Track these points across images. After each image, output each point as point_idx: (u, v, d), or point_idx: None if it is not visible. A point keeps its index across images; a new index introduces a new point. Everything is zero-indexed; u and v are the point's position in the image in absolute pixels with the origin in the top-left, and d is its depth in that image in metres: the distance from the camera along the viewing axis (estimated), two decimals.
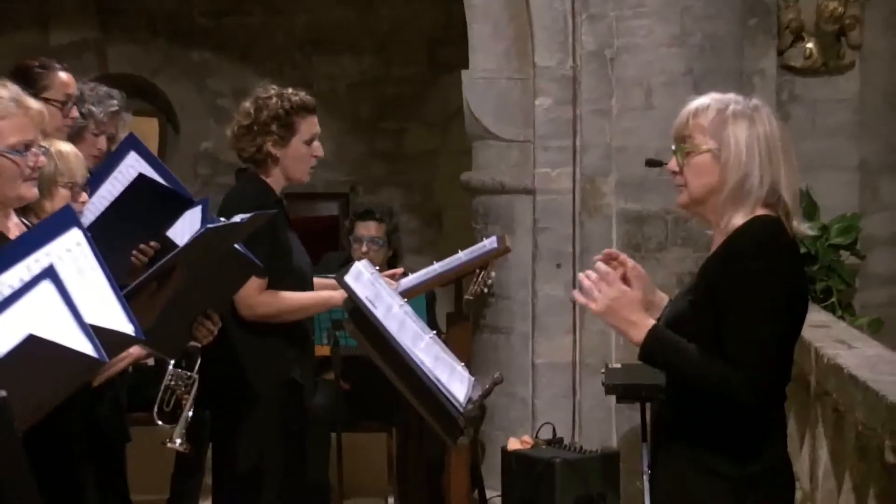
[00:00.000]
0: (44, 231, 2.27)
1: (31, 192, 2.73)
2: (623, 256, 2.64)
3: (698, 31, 5.54)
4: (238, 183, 3.90)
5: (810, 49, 5.71)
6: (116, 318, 2.20)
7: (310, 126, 3.79)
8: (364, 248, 5.31)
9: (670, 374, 2.55)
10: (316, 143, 3.82)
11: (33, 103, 2.72)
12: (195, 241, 3.02)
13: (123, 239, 3.48)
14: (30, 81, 3.48)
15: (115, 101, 4.04)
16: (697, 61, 5.53)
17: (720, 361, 2.45)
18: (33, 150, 2.68)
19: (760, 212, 2.52)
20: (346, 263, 5.02)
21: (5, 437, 1.64)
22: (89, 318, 2.11)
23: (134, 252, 3.62)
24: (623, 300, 2.51)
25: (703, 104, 2.57)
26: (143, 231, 3.55)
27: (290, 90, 3.80)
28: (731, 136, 2.52)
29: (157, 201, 3.36)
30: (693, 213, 2.68)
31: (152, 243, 3.60)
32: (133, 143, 3.64)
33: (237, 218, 3.22)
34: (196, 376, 4.32)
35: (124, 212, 3.36)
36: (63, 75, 3.73)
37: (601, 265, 2.56)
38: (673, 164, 2.60)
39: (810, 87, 5.78)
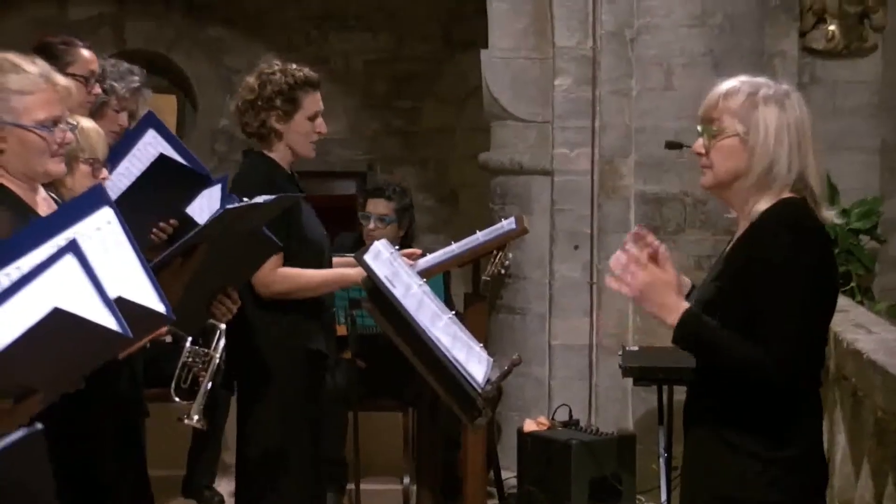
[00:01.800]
0: (74, 209, 2.27)
1: (58, 167, 2.73)
2: (651, 237, 2.60)
3: (719, 12, 5.50)
4: (245, 161, 3.89)
5: (833, 31, 5.67)
6: (149, 298, 2.20)
7: (313, 102, 3.79)
8: (371, 226, 5.30)
9: (703, 357, 2.54)
10: (319, 120, 3.82)
11: (61, 79, 2.71)
12: (214, 221, 3.02)
13: (143, 216, 3.49)
14: (53, 58, 3.47)
15: (137, 78, 4.05)
16: (718, 42, 5.49)
17: (751, 344, 2.44)
18: (61, 125, 2.68)
19: (785, 196, 2.50)
20: (359, 243, 5.06)
21: (40, 470, 1.64)
22: (127, 295, 2.11)
23: (154, 230, 3.62)
24: (657, 283, 2.49)
25: (733, 87, 2.54)
26: (163, 209, 3.56)
27: (293, 65, 3.80)
28: (761, 120, 2.50)
29: (177, 180, 3.36)
30: (716, 196, 2.66)
31: (172, 221, 3.61)
32: (152, 121, 3.64)
33: (260, 199, 3.22)
34: (214, 353, 4.33)
35: (145, 190, 3.37)
36: (85, 52, 3.74)
37: (632, 248, 2.53)
38: (699, 145, 2.57)
39: (831, 69, 5.73)
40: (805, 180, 2.51)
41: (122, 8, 7.65)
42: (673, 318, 2.48)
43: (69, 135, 2.72)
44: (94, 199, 2.28)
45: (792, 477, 2.49)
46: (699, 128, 2.58)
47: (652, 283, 2.49)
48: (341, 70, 7.68)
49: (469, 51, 5.99)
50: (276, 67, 3.77)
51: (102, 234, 2.22)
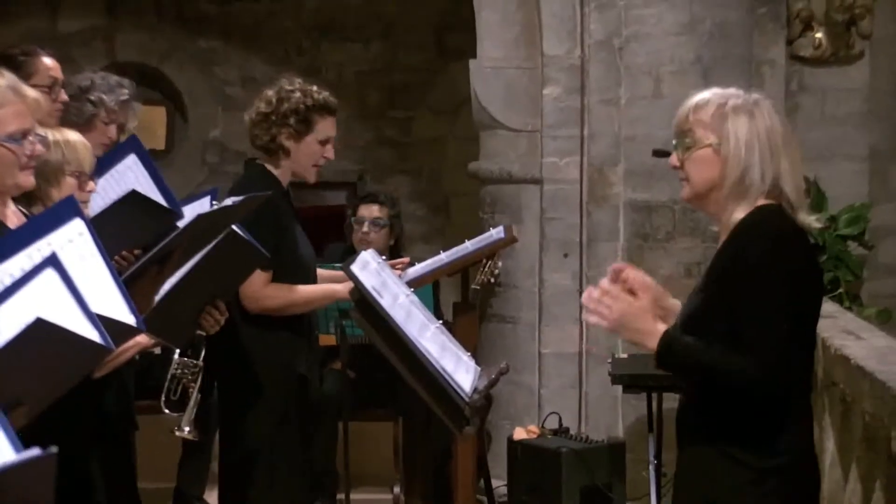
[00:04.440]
0: (46, 221, 2.27)
1: (28, 180, 2.73)
2: (629, 269, 2.65)
3: (708, 20, 5.52)
4: (246, 171, 3.91)
5: (820, 39, 5.69)
6: (118, 309, 2.20)
7: (327, 126, 3.81)
8: (365, 229, 5.33)
9: (687, 376, 2.55)
10: (329, 146, 3.84)
11: (30, 91, 2.71)
12: (188, 228, 3.03)
13: (108, 242, 3.45)
14: (14, 69, 3.47)
15: (126, 90, 4.04)
16: (707, 50, 5.51)
17: (732, 354, 2.45)
18: (30, 138, 2.68)
19: (762, 203, 2.52)
20: (349, 253, 5.07)
21: (43, 493, 1.64)
22: (93, 309, 2.11)
23: (115, 258, 3.59)
24: (632, 312, 2.52)
25: (703, 99, 2.58)
26: (127, 240, 3.51)
27: (315, 87, 3.82)
28: (732, 130, 2.52)
29: (147, 214, 3.33)
30: (696, 207, 2.69)
31: (136, 252, 3.57)
32: (135, 146, 3.60)
33: (228, 201, 3.23)
34: (202, 364, 4.34)
35: (113, 220, 3.33)
36: (47, 60, 3.72)
37: (603, 282, 2.58)
38: (674, 158, 2.61)
39: (819, 76, 5.76)
40: (780, 187, 2.53)
41: (114, 20, 7.66)
42: (652, 343, 2.51)
43: (39, 147, 2.71)
44: (65, 211, 2.28)
45: (785, 485, 2.49)
46: (673, 142, 2.61)
47: (627, 313, 2.52)
48: (334, 81, 7.68)
49: (461, 61, 6.00)
50: (297, 86, 3.79)
51: (74, 245, 2.23)
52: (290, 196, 3.88)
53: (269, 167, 3.81)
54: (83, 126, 3.83)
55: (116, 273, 2.27)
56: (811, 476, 2.57)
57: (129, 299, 2.23)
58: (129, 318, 2.21)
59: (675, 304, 2.70)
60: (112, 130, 4.00)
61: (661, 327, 2.52)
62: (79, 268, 2.17)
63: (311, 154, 3.79)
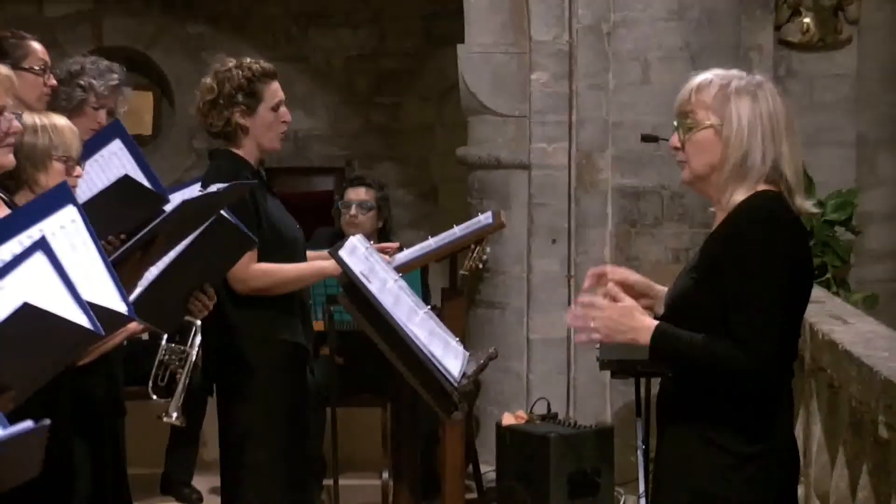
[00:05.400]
0: (38, 207, 2.26)
1: (6, 158, 2.71)
2: (608, 270, 2.66)
3: (696, 5, 5.52)
4: (213, 162, 3.88)
5: (807, 24, 5.69)
6: (110, 297, 2.19)
7: (273, 92, 3.78)
8: (353, 212, 5.33)
9: (680, 367, 2.55)
10: (283, 109, 3.81)
11: (2, 69, 2.69)
12: (174, 214, 3.02)
13: (97, 225, 3.44)
14: (4, 53, 3.45)
15: (116, 75, 4.02)
16: (695, 35, 5.51)
17: (723, 341, 2.45)
18: (5, 114, 2.66)
19: (762, 188, 2.51)
20: (336, 237, 5.06)
21: (33, 464, 1.64)
22: (84, 295, 2.11)
23: (102, 242, 3.57)
24: (618, 315, 2.53)
25: (705, 79, 2.56)
26: (114, 224, 3.50)
27: (248, 59, 3.79)
28: (734, 112, 2.51)
29: (135, 199, 3.32)
30: (696, 190, 2.67)
31: (122, 235, 3.56)
32: (119, 131, 3.59)
33: (213, 187, 3.21)
34: (190, 350, 4.33)
35: (102, 205, 3.32)
36: (36, 44, 3.71)
37: (583, 298, 2.58)
38: (675, 139, 2.59)
39: (807, 62, 5.76)
40: (780, 170, 2.51)
41: (101, 4, 7.62)
42: (645, 339, 2.51)
43: (16, 124, 2.69)
44: (58, 198, 2.27)
45: (765, 470, 2.50)
46: (674, 122, 2.60)
47: (614, 318, 2.53)
48: (322, 67, 7.68)
49: (449, 46, 5.99)
50: (231, 64, 3.76)
51: (66, 232, 2.22)
52: (262, 175, 3.86)
53: (234, 150, 3.79)
54: (73, 111, 3.81)
55: (108, 261, 2.27)
56: (792, 462, 2.58)
57: (120, 287, 2.22)
58: (120, 307, 2.20)
59: (662, 291, 2.69)
60: (102, 115, 3.98)
61: (651, 323, 2.52)
62: (70, 255, 2.16)
63: (268, 123, 3.77)
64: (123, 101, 4.08)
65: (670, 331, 2.50)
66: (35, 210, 2.25)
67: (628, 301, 2.55)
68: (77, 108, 3.86)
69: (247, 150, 3.77)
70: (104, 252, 2.26)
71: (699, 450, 2.51)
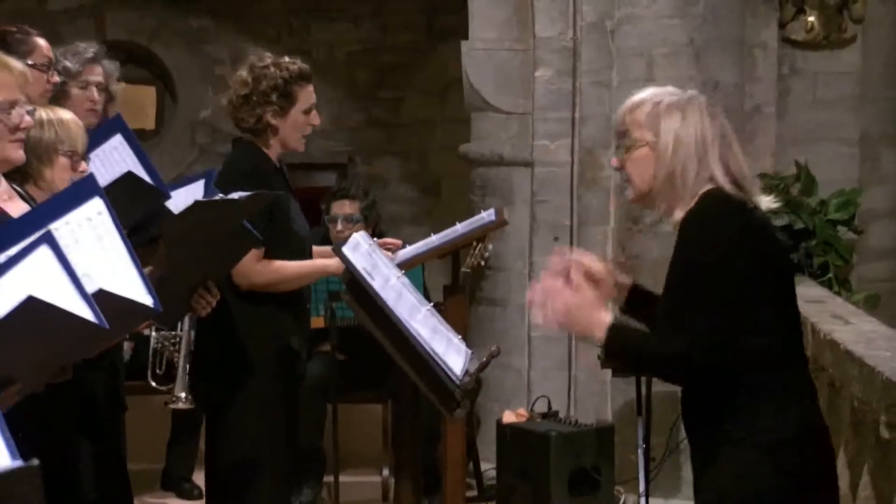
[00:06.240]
0: (65, 199, 2.26)
1: (17, 153, 2.71)
2: (572, 257, 2.66)
3: (700, 2, 5.49)
4: (235, 151, 3.87)
5: (812, 22, 5.68)
6: (136, 289, 2.19)
7: (308, 95, 3.77)
8: (339, 227, 5.30)
9: (633, 364, 2.57)
10: (313, 113, 3.80)
11: (16, 63, 2.69)
12: (184, 214, 3.01)
13: None
14: (9, 48, 3.44)
15: (90, 49, 3.98)
16: (699, 33, 5.49)
17: (674, 335, 2.45)
18: (18, 109, 2.66)
19: (705, 191, 2.53)
20: (326, 240, 5.04)
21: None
22: (110, 287, 2.10)
23: None
24: (574, 307, 2.55)
25: (638, 99, 2.61)
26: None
27: (286, 59, 3.76)
28: (664, 129, 2.55)
29: (137, 195, 3.31)
30: (644, 207, 2.70)
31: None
32: (120, 126, 3.58)
33: (235, 195, 3.20)
34: (181, 333, 4.30)
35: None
36: (41, 40, 3.70)
37: (545, 278, 2.60)
38: (614, 161, 2.64)
39: (811, 60, 5.75)
40: (718, 183, 2.53)
41: None
42: (600, 334, 2.53)
43: (28, 119, 2.69)
44: (85, 190, 2.27)
45: (793, 457, 2.48)
46: (614, 145, 2.62)
47: (569, 309, 2.54)
48: (324, 61, 7.67)
49: (451, 41, 5.98)
50: (269, 61, 3.72)
51: (93, 224, 2.22)
52: (285, 172, 3.86)
53: (259, 144, 3.78)
54: (61, 100, 3.78)
55: (135, 253, 2.26)
56: (818, 447, 2.56)
57: (146, 280, 2.22)
58: (146, 299, 2.20)
59: (627, 281, 2.71)
60: (92, 93, 3.93)
61: (607, 319, 2.53)
62: (96, 247, 2.16)
63: (298, 126, 3.76)
64: (112, 79, 4.02)
65: (623, 327, 2.54)
66: (62, 202, 2.25)
67: (589, 293, 2.57)
68: (63, 96, 3.82)
69: (272, 148, 3.76)
70: (130, 245, 2.26)
71: (723, 448, 2.50)
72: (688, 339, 2.43)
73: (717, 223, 2.48)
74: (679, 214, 2.53)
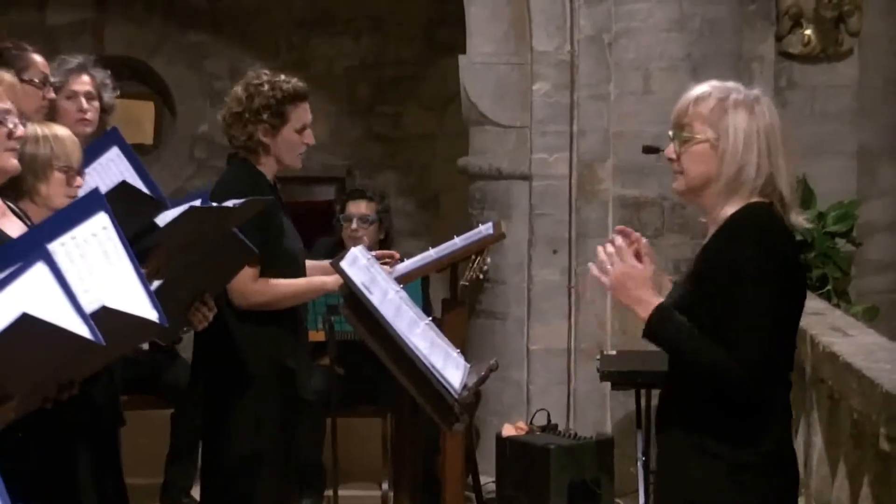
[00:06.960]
0: (71, 214, 2.26)
1: (10, 163, 2.70)
2: (636, 235, 2.66)
3: (697, 16, 5.52)
4: (230, 167, 3.87)
5: (809, 36, 5.70)
6: (141, 305, 2.18)
7: (301, 114, 3.75)
8: (354, 226, 5.32)
9: (669, 353, 2.57)
10: (307, 132, 3.78)
11: (5, 74, 2.70)
12: (178, 220, 3.00)
13: None
14: (6, 63, 3.44)
15: (73, 60, 3.98)
16: (696, 46, 5.51)
17: (721, 348, 2.46)
18: (11, 117, 2.66)
19: (754, 200, 2.53)
20: (338, 247, 5.06)
21: None
22: (114, 303, 2.10)
23: None
24: (633, 276, 2.54)
25: (704, 92, 2.57)
26: None
27: (282, 77, 3.74)
28: (731, 126, 2.53)
29: (134, 206, 3.31)
30: (688, 201, 2.69)
31: None
32: (116, 138, 3.58)
33: (229, 203, 3.20)
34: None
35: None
36: (37, 56, 3.70)
37: (618, 239, 2.59)
38: (670, 150, 2.61)
39: (808, 73, 5.77)
40: (774, 184, 2.54)
41: (103, 13, 7.62)
42: (645, 313, 2.52)
43: (21, 129, 2.69)
44: (91, 205, 2.27)
45: (761, 479, 2.50)
46: (670, 133, 2.61)
47: (629, 275, 2.54)
48: (323, 75, 7.67)
49: (451, 55, 5.99)
50: (265, 78, 3.71)
51: (98, 239, 2.22)
52: (278, 189, 3.86)
53: (253, 161, 3.78)
54: (52, 115, 3.78)
55: (140, 268, 2.26)
56: (789, 471, 2.58)
57: (152, 295, 2.22)
58: (151, 314, 2.19)
59: (668, 284, 2.71)
60: (80, 103, 3.91)
61: (657, 299, 2.53)
62: (103, 262, 2.16)
63: (290, 145, 3.74)
64: (104, 87, 4.00)
65: (671, 316, 2.52)
66: (68, 217, 2.24)
67: (649, 270, 2.57)
68: (52, 108, 3.82)
69: (266, 165, 3.75)
70: (136, 260, 2.25)
71: (694, 459, 2.52)
72: (747, 364, 2.43)
73: (770, 249, 2.47)
74: (728, 211, 2.51)
